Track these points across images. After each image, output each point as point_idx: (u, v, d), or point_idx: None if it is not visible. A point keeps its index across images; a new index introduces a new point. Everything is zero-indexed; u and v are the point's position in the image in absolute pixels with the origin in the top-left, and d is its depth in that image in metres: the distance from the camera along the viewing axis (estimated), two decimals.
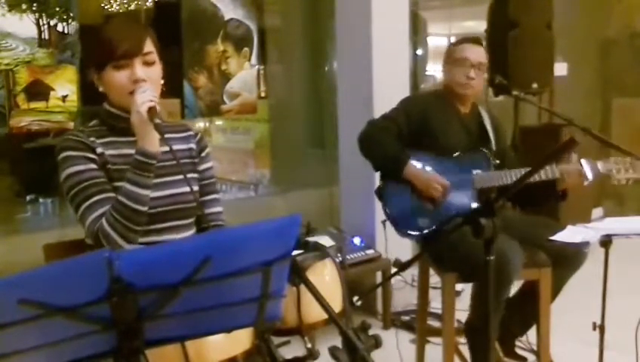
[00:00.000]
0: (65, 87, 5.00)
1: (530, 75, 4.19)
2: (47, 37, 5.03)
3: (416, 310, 2.95)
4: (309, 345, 1.66)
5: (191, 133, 1.90)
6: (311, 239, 1.75)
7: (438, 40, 6.60)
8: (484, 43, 2.79)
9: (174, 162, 1.71)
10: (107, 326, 1.08)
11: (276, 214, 5.18)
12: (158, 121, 1.58)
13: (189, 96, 5.69)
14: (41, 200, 5.09)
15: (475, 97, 2.73)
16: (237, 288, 1.17)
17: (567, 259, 2.47)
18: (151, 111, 1.59)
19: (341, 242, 3.28)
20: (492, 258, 1.52)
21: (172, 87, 5.42)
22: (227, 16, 5.89)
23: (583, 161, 2.44)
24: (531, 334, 2.67)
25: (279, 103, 6.39)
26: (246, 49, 6.00)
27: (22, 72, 4.85)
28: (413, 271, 3.41)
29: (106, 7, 5.81)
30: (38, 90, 4.90)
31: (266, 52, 6.18)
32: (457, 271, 2.44)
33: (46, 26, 5.03)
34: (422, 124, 2.61)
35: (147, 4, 5.76)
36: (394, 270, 3.46)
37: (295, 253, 1.55)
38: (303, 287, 1.58)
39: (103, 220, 1.62)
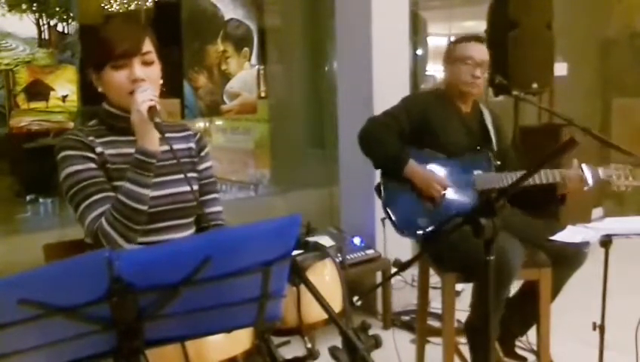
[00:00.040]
0: (65, 87, 5.01)
1: (530, 75, 4.19)
2: (47, 37, 5.03)
3: (416, 310, 2.95)
4: (309, 345, 1.66)
5: (190, 132, 1.90)
6: (311, 239, 1.75)
7: (438, 40, 6.60)
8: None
9: (174, 161, 1.71)
10: (107, 326, 1.08)
11: (276, 214, 5.17)
12: (158, 120, 1.58)
13: (189, 96, 5.70)
14: (41, 200, 5.09)
15: (477, 96, 2.73)
16: (237, 288, 1.17)
17: (567, 259, 2.47)
18: (151, 110, 1.59)
19: (341, 242, 3.28)
20: (492, 258, 1.52)
21: (172, 87, 5.42)
22: (227, 16, 5.89)
23: (584, 166, 2.44)
24: (531, 334, 2.67)
25: (279, 103, 6.39)
26: (246, 49, 6.00)
27: (22, 72, 4.85)
28: (413, 271, 3.41)
29: (106, 7, 5.82)
30: (38, 90, 4.90)
31: (266, 52, 6.18)
32: (457, 271, 2.44)
33: (46, 26, 5.03)
34: (422, 123, 2.61)
35: (147, 4, 5.76)
36: (394, 270, 3.46)
37: (295, 253, 1.55)
38: (303, 287, 1.58)
39: (103, 219, 1.62)
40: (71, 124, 4.97)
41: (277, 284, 1.21)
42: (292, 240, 1.19)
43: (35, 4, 4.95)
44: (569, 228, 2.27)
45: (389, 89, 3.44)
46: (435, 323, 3.17)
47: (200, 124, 5.90)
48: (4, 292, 0.99)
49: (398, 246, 3.33)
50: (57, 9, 5.09)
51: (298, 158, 6.38)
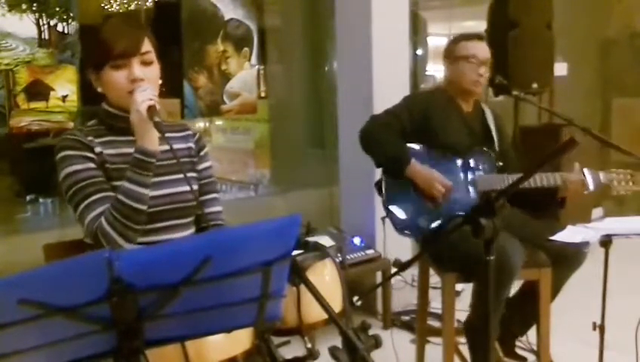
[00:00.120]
0: (65, 87, 5.01)
1: (530, 75, 4.19)
2: (47, 37, 5.03)
3: (416, 310, 2.95)
4: (309, 345, 1.66)
5: (189, 132, 1.90)
6: (311, 239, 1.75)
7: (438, 40, 6.61)
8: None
9: (173, 161, 1.71)
10: (107, 326, 1.08)
11: (276, 214, 5.17)
12: (157, 119, 1.58)
13: (189, 96, 5.70)
14: (41, 200, 5.09)
15: (479, 95, 2.73)
16: (237, 288, 1.17)
17: (567, 259, 2.47)
18: (150, 109, 1.60)
19: (341, 242, 3.28)
20: (492, 258, 1.52)
21: (172, 87, 5.42)
22: (227, 16, 5.89)
23: (585, 170, 2.44)
24: (531, 334, 2.67)
25: (279, 103, 6.39)
26: (246, 49, 6.00)
27: (22, 72, 4.85)
28: (413, 271, 3.41)
29: (106, 7, 5.82)
30: (38, 90, 4.90)
31: (266, 52, 6.18)
32: (457, 271, 2.44)
33: (46, 26, 5.03)
34: (424, 122, 2.60)
35: (147, 4, 5.76)
36: (394, 270, 3.46)
37: (295, 253, 1.55)
38: (303, 287, 1.58)
39: (102, 219, 1.62)
40: (71, 124, 4.97)
41: (277, 284, 1.21)
42: (292, 240, 1.19)
43: (35, 4, 4.95)
44: (569, 228, 2.27)
45: (389, 89, 3.44)
46: (435, 323, 3.17)
47: (200, 124, 5.90)
48: (4, 292, 0.99)
49: (398, 246, 3.33)
50: (57, 9, 5.09)
51: (298, 158, 6.38)
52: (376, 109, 3.28)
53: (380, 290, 3.53)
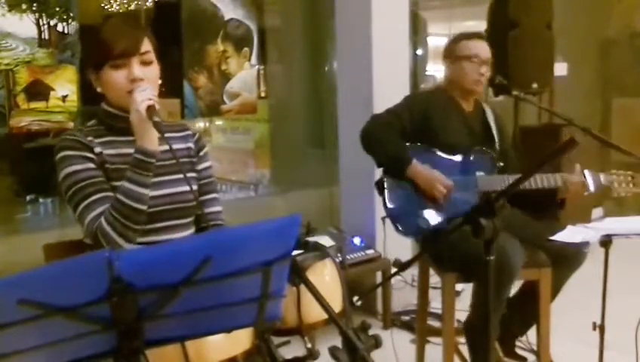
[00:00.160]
0: (65, 87, 5.00)
1: (530, 75, 4.19)
2: (47, 37, 5.03)
3: (416, 310, 2.95)
4: (309, 345, 1.66)
5: (189, 132, 1.90)
6: (311, 239, 1.75)
7: (438, 40, 6.61)
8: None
9: (173, 161, 1.71)
10: (107, 326, 1.08)
11: (276, 214, 5.17)
12: (157, 119, 1.58)
13: (189, 96, 5.69)
14: (41, 200, 5.09)
15: (479, 94, 2.73)
16: (237, 288, 1.17)
17: (567, 259, 2.47)
18: (150, 109, 1.60)
19: (341, 242, 3.28)
20: (492, 258, 1.52)
21: (172, 87, 5.42)
22: (227, 16, 5.89)
23: (586, 172, 2.44)
24: (531, 334, 2.67)
25: (279, 103, 6.39)
26: (246, 49, 6.00)
27: (22, 72, 4.85)
28: (413, 271, 3.41)
29: (106, 7, 5.82)
30: (38, 90, 4.90)
31: (266, 52, 6.18)
32: (457, 271, 2.44)
33: (46, 26, 5.03)
34: (425, 121, 2.59)
35: (147, 4, 5.76)
36: (394, 270, 3.46)
37: (295, 253, 1.55)
38: (303, 287, 1.58)
39: (102, 219, 1.62)
40: (71, 124, 4.97)
41: (277, 284, 1.21)
42: (292, 240, 1.19)
43: (35, 4, 4.95)
44: (569, 228, 2.27)
45: (389, 89, 3.44)
46: (435, 323, 3.17)
47: (200, 124, 5.90)
48: (4, 292, 0.99)
49: (398, 247, 3.33)
50: (57, 9, 5.09)
51: (298, 158, 6.38)
52: (376, 109, 3.28)
53: (380, 290, 3.53)
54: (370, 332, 1.35)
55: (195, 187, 1.82)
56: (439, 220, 2.52)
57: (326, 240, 1.88)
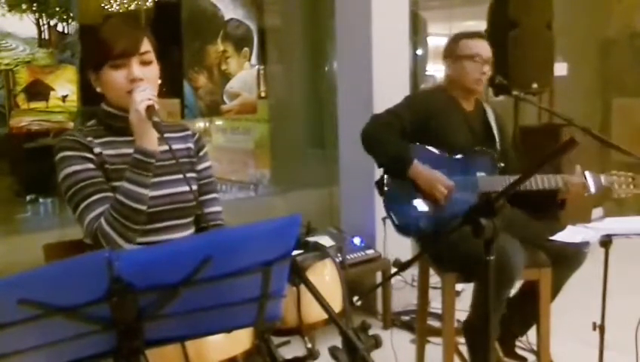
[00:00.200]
0: (65, 87, 5.00)
1: (530, 75, 4.19)
2: (47, 37, 5.02)
3: (416, 310, 2.95)
4: (309, 345, 1.66)
5: (189, 132, 1.90)
6: (311, 239, 1.75)
7: (438, 40, 6.60)
8: None
9: (173, 161, 1.71)
10: (107, 326, 1.08)
11: (276, 214, 5.17)
12: (156, 119, 1.58)
13: (189, 96, 5.69)
14: (41, 200, 5.08)
15: (480, 94, 2.72)
16: (237, 288, 1.17)
17: (567, 259, 2.47)
18: (149, 109, 1.60)
19: (341, 242, 3.28)
20: (492, 258, 1.52)
21: (172, 87, 5.42)
22: (227, 16, 5.88)
23: (587, 173, 2.44)
24: (531, 334, 2.67)
25: (279, 103, 6.38)
26: (246, 49, 6.00)
27: (22, 72, 4.85)
28: (413, 271, 3.41)
29: (106, 7, 5.81)
30: (38, 90, 4.89)
31: (266, 52, 6.17)
32: (458, 271, 2.44)
33: (46, 26, 5.03)
34: (425, 121, 2.59)
35: (147, 4, 5.76)
36: (394, 270, 3.46)
37: (295, 253, 1.55)
38: (303, 287, 1.58)
39: (102, 219, 1.62)
40: (71, 124, 4.97)
41: (277, 284, 1.21)
42: (292, 240, 1.19)
43: (35, 4, 4.94)
44: (569, 228, 2.27)
45: (389, 89, 3.44)
46: (435, 323, 3.17)
47: (200, 124, 5.89)
48: (4, 292, 0.99)
49: (398, 247, 3.33)
50: (57, 9, 5.08)
51: (298, 158, 6.38)
52: (376, 109, 3.28)
53: (380, 290, 3.53)
54: (370, 332, 1.35)
55: (194, 187, 1.82)
56: (440, 221, 2.51)
57: (326, 240, 1.88)
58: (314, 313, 1.64)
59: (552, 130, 4.44)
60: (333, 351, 1.29)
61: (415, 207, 2.54)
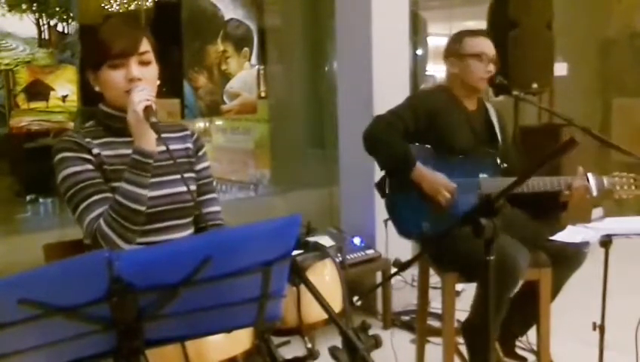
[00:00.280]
0: (65, 87, 5.00)
1: (530, 75, 4.19)
2: (47, 37, 5.02)
3: (416, 310, 2.95)
4: (309, 345, 1.66)
5: (187, 132, 1.90)
6: (311, 239, 1.75)
7: (438, 40, 6.60)
8: None
9: (171, 161, 1.71)
10: (107, 326, 1.08)
11: (276, 214, 5.17)
12: (154, 119, 1.58)
13: (189, 96, 5.69)
14: (41, 200, 5.08)
15: (483, 92, 2.71)
16: (237, 288, 1.17)
17: (567, 259, 2.47)
18: (147, 110, 1.60)
19: (341, 242, 3.28)
20: (492, 258, 1.52)
21: (172, 87, 5.42)
22: (227, 16, 5.88)
23: (589, 175, 2.43)
24: (531, 334, 2.67)
25: (279, 103, 6.38)
26: (246, 49, 6.00)
27: (22, 72, 4.84)
28: (413, 271, 3.41)
29: (106, 7, 5.81)
30: (38, 90, 4.89)
31: (266, 52, 6.17)
32: (459, 271, 2.44)
33: (46, 26, 5.02)
34: (428, 122, 2.57)
35: (147, 4, 5.76)
36: (394, 270, 3.46)
37: (295, 253, 1.55)
38: (303, 287, 1.58)
39: (101, 220, 1.62)
40: (71, 124, 4.97)
41: (277, 284, 1.21)
42: (292, 240, 1.19)
43: (35, 4, 4.94)
44: (569, 228, 2.27)
45: (389, 89, 3.44)
46: (435, 323, 3.17)
47: (200, 124, 5.89)
48: (4, 292, 0.99)
49: (398, 247, 3.33)
50: (57, 9, 5.08)
51: (298, 158, 6.38)
52: (376, 109, 3.28)
53: (380, 290, 3.53)
54: (370, 332, 1.34)
55: (193, 187, 1.82)
56: (442, 224, 2.50)
57: (326, 240, 1.88)
58: (314, 313, 1.64)
59: (552, 130, 4.44)
60: (333, 351, 1.29)
61: (417, 210, 2.53)
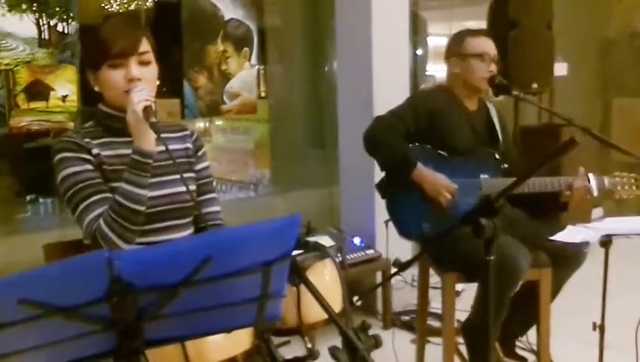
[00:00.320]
0: (65, 87, 5.00)
1: (530, 75, 4.19)
2: (47, 37, 5.02)
3: (416, 310, 2.95)
4: (309, 345, 1.66)
5: (187, 132, 1.90)
6: (311, 239, 1.75)
7: (438, 40, 6.60)
8: None
9: (171, 162, 1.71)
10: (107, 326, 1.08)
11: (276, 214, 5.17)
12: (153, 120, 1.58)
13: (189, 96, 5.69)
14: (41, 200, 5.08)
15: (484, 91, 2.70)
16: (237, 288, 1.17)
17: (567, 259, 2.47)
18: (146, 110, 1.60)
19: (341, 242, 3.28)
20: (492, 258, 1.52)
21: (172, 87, 5.42)
22: (227, 16, 5.88)
23: (590, 175, 2.43)
24: (531, 334, 2.67)
25: (279, 103, 6.38)
26: (246, 49, 6.00)
27: (22, 72, 4.84)
28: (413, 271, 3.41)
29: (106, 7, 5.81)
30: (38, 90, 4.89)
31: (266, 52, 6.17)
32: (460, 271, 2.44)
33: (46, 26, 5.02)
34: (429, 122, 2.56)
35: (147, 4, 5.76)
36: (394, 270, 3.46)
37: (295, 253, 1.55)
38: (303, 287, 1.58)
39: (101, 220, 1.62)
40: (71, 124, 4.97)
41: (277, 284, 1.21)
42: (292, 240, 1.19)
43: (35, 4, 4.94)
44: (569, 228, 2.27)
45: (389, 89, 3.44)
46: (435, 323, 3.17)
47: (200, 124, 5.89)
48: (4, 292, 0.99)
49: (398, 247, 3.33)
50: (57, 9, 5.08)
51: (298, 158, 6.38)
52: (376, 109, 3.28)
53: (380, 290, 3.53)
54: (370, 332, 1.34)
55: (193, 187, 1.82)
56: (443, 225, 2.49)
57: (326, 240, 1.88)
58: (314, 313, 1.64)
59: (552, 130, 4.44)
60: (333, 351, 1.29)
61: (418, 211, 2.52)
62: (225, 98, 5.89)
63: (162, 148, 1.63)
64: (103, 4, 5.81)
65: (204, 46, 5.77)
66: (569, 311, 2.79)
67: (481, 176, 2.55)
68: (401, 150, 2.52)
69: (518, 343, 2.81)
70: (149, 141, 1.63)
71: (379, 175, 2.68)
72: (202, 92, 5.78)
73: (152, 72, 1.72)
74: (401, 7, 3.62)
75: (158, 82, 1.75)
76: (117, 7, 5.82)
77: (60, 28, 5.09)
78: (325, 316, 1.45)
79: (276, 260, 1.17)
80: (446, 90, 2.69)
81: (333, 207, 4.33)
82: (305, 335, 1.67)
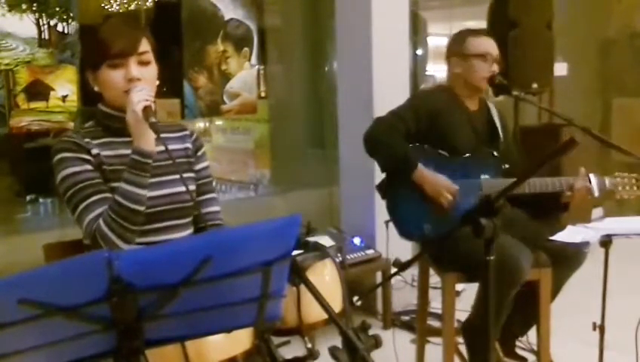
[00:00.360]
0: (65, 87, 5.00)
1: (530, 75, 4.19)
2: (47, 37, 5.02)
3: (416, 310, 2.95)
4: (309, 345, 1.66)
5: (187, 132, 1.90)
6: (311, 239, 1.75)
7: (438, 40, 6.60)
8: None
9: (170, 161, 1.71)
10: (107, 326, 1.08)
11: (276, 214, 5.17)
12: (153, 120, 1.58)
13: (189, 96, 5.69)
14: (41, 200, 5.08)
15: (485, 91, 2.70)
16: (237, 288, 1.17)
17: (567, 259, 2.47)
18: (146, 110, 1.60)
19: (341, 242, 3.28)
20: (492, 258, 1.52)
21: (172, 87, 5.42)
22: (227, 16, 5.88)
23: (591, 176, 2.43)
24: (531, 334, 2.67)
25: (279, 103, 6.38)
26: (246, 49, 6.00)
27: (22, 72, 4.84)
28: (413, 271, 3.41)
29: (106, 7, 5.81)
30: (38, 90, 4.89)
31: (266, 52, 6.17)
32: (460, 271, 2.44)
33: (46, 26, 5.02)
34: (430, 122, 2.55)
35: (147, 4, 5.76)
36: (394, 270, 3.46)
37: (295, 253, 1.55)
38: (303, 287, 1.58)
39: (101, 220, 1.62)
40: (71, 124, 4.97)
41: (277, 284, 1.21)
42: (292, 240, 1.19)
43: (35, 4, 4.94)
44: (569, 228, 2.27)
45: (389, 89, 3.44)
46: (435, 323, 3.17)
47: (200, 124, 5.89)
48: (4, 292, 0.99)
49: (399, 247, 3.33)
50: (57, 9, 5.08)
51: (298, 158, 6.38)
52: (376, 109, 3.28)
53: (380, 290, 3.53)
54: (370, 332, 1.34)
55: (192, 187, 1.82)
56: (443, 226, 2.49)
57: (326, 240, 1.88)
58: (314, 313, 1.64)
59: (552, 130, 4.44)
60: (333, 351, 1.29)
61: (419, 212, 2.52)
62: (225, 98, 5.89)
63: (162, 148, 1.63)
64: (103, 4, 5.81)
65: (204, 46, 5.77)
66: (569, 311, 2.79)
67: (482, 176, 2.55)
68: (401, 151, 2.51)
69: (518, 343, 2.81)
70: (148, 141, 1.63)
71: (379, 175, 2.67)
72: (202, 92, 5.78)
73: (151, 72, 1.72)
74: (401, 7, 3.62)
75: (157, 82, 1.75)
76: (117, 7, 5.81)
77: (60, 28, 5.09)
78: (325, 316, 1.45)
79: (276, 260, 1.17)
80: (447, 90, 2.69)
81: (333, 207, 4.33)
82: (305, 335, 1.67)
